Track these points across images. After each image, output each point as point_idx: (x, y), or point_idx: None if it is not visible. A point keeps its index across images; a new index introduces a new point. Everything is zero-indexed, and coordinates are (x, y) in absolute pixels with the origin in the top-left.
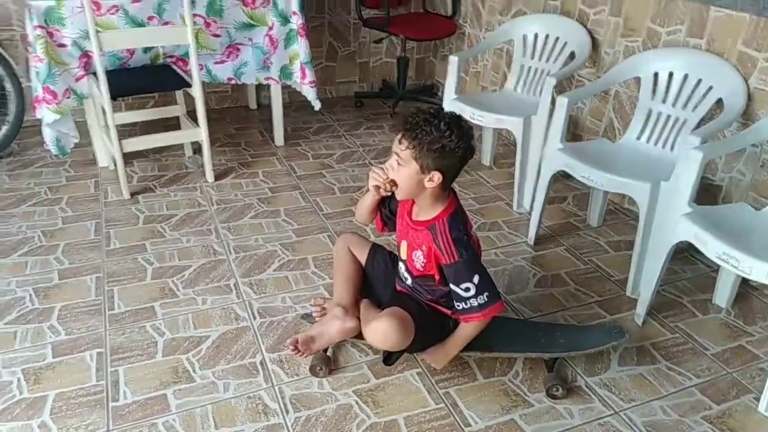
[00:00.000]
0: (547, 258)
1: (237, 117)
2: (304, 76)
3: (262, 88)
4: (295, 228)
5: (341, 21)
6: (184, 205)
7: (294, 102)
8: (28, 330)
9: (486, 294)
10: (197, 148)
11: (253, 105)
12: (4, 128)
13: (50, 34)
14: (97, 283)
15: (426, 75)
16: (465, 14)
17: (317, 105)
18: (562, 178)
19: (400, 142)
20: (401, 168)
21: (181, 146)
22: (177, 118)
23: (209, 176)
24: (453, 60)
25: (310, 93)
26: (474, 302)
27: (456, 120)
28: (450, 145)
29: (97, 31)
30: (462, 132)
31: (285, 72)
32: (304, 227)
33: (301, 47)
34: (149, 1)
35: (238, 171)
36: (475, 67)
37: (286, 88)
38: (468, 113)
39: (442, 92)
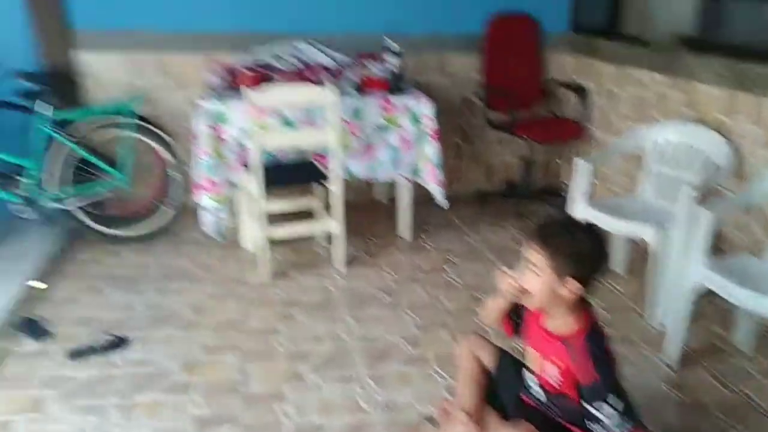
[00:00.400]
0: (688, 382)
1: (367, 209)
2: (432, 175)
3: (391, 183)
4: (417, 322)
5: (468, 122)
6: (315, 292)
7: (420, 197)
8: (173, 402)
9: (626, 420)
10: (329, 237)
11: (382, 198)
12: (168, 210)
13: (215, 131)
14: (235, 362)
15: (551, 176)
16: (593, 118)
17: (444, 204)
18: (705, 294)
19: (533, 249)
20: (534, 276)
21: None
22: (313, 208)
23: (339, 265)
24: (582, 165)
25: (437, 192)
26: (613, 428)
27: (590, 227)
28: (586, 253)
29: (256, 131)
30: (597, 239)
31: (415, 170)
32: (426, 322)
33: (431, 149)
34: (301, 104)
35: (365, 261)
36: (604, 170)
37: (413, 184)
38: (599, 219)
39: (568, 194)
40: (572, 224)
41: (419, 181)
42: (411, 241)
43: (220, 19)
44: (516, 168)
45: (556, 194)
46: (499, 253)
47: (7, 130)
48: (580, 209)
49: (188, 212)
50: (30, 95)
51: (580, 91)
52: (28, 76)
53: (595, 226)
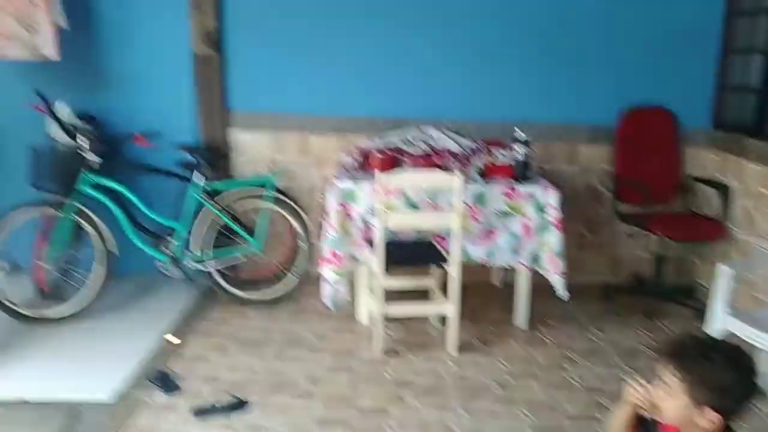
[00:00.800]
0: None
1: (481, 292)
2: (553, 265)
3: (508, 268)
4: (532, 423)
5: (594, 212)
6: (426, 374)
7: (539, 285)
8: None
9: None
10: (443, 318)
11: (497, 283)
12: (293, 278)
13: (344, 208)
14: None
15: (684, 274)
16: (735, 219)
17: (564, 295)
18: None
19: (668, 370)
20: (668, 398)
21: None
22: (429, 288)
23: (451, 349)
24: (725, 271)
25: (558, 282)
26: None
27: (737, 353)
28: (729, 385)
29: (383, 211)
30: (745, 369)
31: (535, 258)
32: (542, 424)
33: (554, 238)
34: (426, 188)
35: (479, 348)
36: (750, 276)
37: (532, 271)
38: (742, 332)
39: (703, 296)
40: (714, 348)
41: (539, 270)
42: (528, 332)
43: (357, 105)
44: (645, 262)
45: (690, 294)
46: (625, 354)
47: (165, 196)
48: (721, 319)
49: (310, 281)
50: (188, 166)
51: (721, 189)
52: (189, 149)
53: (742, 350)
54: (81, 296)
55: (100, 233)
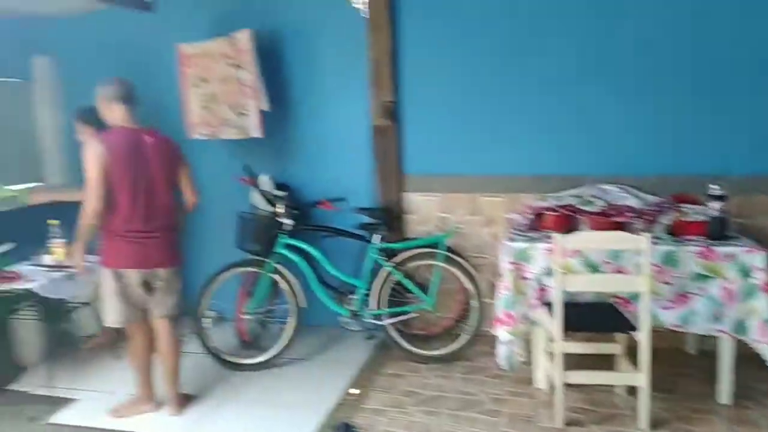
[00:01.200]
0: None
1: (671, 359)
2: (764, 334)
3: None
4: None
5: None
6: None
7: (743, 354)
8: None
9: None
10: (630, 389)
11: (691, 350)
12: (464, 336)
13: (518, 268)
14: None
15: None
16: None
17: None
18: None
19: None
20: None
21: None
22: (613, 353)
23: (643, 424)
24: None
25: None
26: None
27: None
28: None
29: (560, 274)
30: None
31: (740, 326)
32: None
33: (764, 304)
34: (607, 248)
35: (675, 425)
36: None
37: (735, 340)
38: None
39: None
40: None
41: (745, 339)
42: (733, 409)
43: (526, 164)
44: None
45: None
46: None
47: (347, 255)
48: None
49: (482, 340)
50: (367, 227)
51: None
52: (368, 211)
53: None
54: (276, 346)
55: (293, 289)
